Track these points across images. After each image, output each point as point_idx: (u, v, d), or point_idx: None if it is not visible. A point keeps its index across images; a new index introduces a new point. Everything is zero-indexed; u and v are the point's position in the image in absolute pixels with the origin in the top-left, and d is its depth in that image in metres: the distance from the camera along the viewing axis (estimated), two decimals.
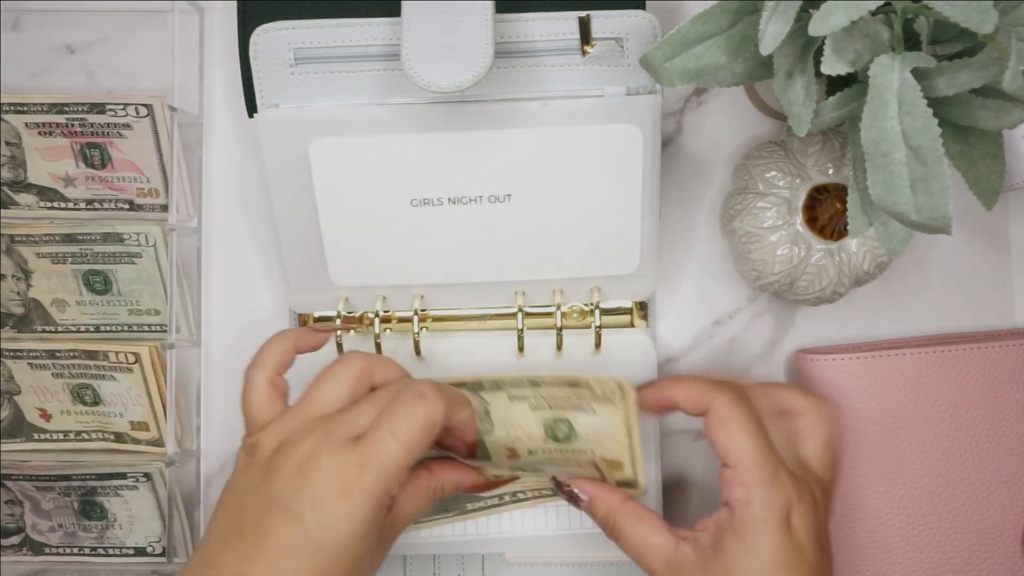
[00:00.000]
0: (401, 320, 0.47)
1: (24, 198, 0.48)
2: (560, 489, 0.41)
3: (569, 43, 0.42)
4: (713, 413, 0.37)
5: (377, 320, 0.46)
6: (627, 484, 0.40)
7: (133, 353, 0.46)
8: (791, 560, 0.35)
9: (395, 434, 0.35)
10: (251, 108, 0.44)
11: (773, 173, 0.43)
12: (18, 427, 0.49)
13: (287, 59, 0.43)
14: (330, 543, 0.34)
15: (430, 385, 0.37)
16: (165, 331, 0.47)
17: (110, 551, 0.48)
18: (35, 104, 0.45)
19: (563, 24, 0.42)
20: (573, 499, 0.40)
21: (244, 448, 0.38)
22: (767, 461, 0.36)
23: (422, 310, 0.47)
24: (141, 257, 0.47)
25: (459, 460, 0.40)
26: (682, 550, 0.37)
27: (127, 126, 0.45)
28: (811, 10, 0.31)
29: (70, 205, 0.48)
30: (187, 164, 0.48)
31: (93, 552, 0.48)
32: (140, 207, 0.48)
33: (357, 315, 0.47)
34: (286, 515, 0.34)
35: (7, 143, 0.46)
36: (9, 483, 0.47)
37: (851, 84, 0.35)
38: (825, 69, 0.32)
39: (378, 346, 0.46)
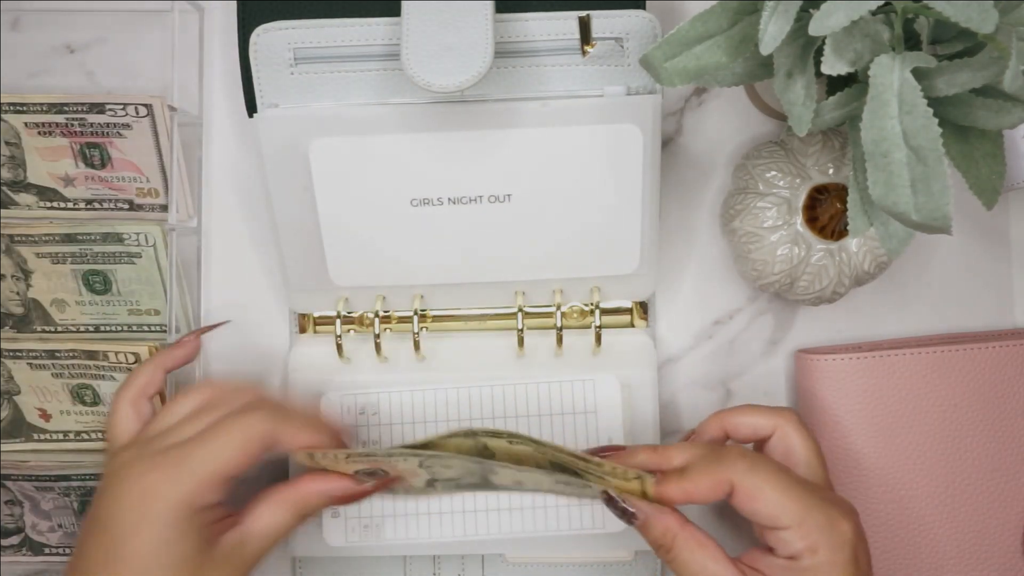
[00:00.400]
0: (401, 320, 0.47)
1: (24, 198, 0.48)
2: (612, 505, 0.39)
3: (569, 43, 0.42)
4: (740, 491, 0.36)
5: (377, 320, 0.46)
6: (641, 494, 0.39)
7: (133, 353, 0.46)
8: None
9: (205, 443, 0.35)
10: (251, 108, 0.44)
11: (773, 173, 0.43)
12: (18, 427, 0.49)
13: (287, 59, 0.43)
14: (130, 553, 0.34)
15: (262, 403, 0.37)
16: (165, 331, 0.47)
17: None
18: (35, 104, 0.45)
19: (563, 24, 0.42)
20: (626, 516, 0.38)
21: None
22: (813, 506, 0.36)
23: (422, 310, 0.47)
24: (141, 257, 0.46)
25: (333, 470, 0.40)
26: None
27: (127, 126, 0.45)
28: (811, 10, 0.31)
29: (70, 205, 0.48)
30: (187, 164, 0.48)
31: None
32: (140, 207, 0.48)
33: (357, 315, 0.47)
34: (95, 529, 0.35)
35: (7, 143, 0.46)
36: (9, 483, 0.47)
37: (851, 84, 0.35)
38: (825, 69, 0.32)
39: (378, 346, 0.46)
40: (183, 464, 0.35)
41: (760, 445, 0.41)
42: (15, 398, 0.48)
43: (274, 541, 0.38)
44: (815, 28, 0.30)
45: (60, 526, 0.48)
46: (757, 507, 0.36)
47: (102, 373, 0.47)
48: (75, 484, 0.47)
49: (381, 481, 0.41)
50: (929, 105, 0.30)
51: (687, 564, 0.37)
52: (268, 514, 0.38)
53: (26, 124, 0.46)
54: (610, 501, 0.39)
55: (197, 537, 0.35)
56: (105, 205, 0.48)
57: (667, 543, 0.37)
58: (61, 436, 0.49)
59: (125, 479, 0.35)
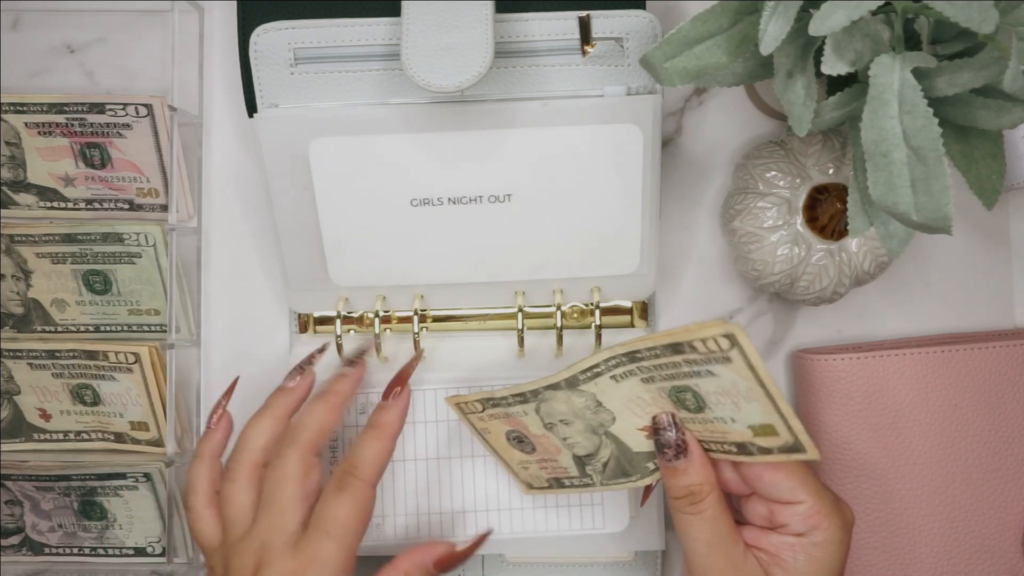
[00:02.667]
0: (401, 320, 0.47)
1: (24, 198, 0.48)
2: (667, 428, 0.36)
3: (569, 43, 0.42)
4: (762, 465, 0.36)
5: (377, 320, 0.46)
6: (792, 450, 0.35)
7: (133, 353, 0.46)
8: (842, 565, 0.36)
9: (329, 532, 0.36)
10: (251, 108, 0.44)
11: (773, 173, 0.43)
12: (18, 427, 0.49)
13: (287, 59, 0.43)
14: None
15: (343, 470, 0.38)
16: (165, 331, 0.47)
17: (110, 551, 0.48)
18: (35, 104, 0.45)
19: (563, 24, 0.42)
20: (674, 448, 0.36)
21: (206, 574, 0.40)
22: (823, 487, 0.37)
23: (422, 310, 0.47)
24: (141, 257, 0.46)
25: (425, 544, 0.40)
26: (751, 561, 0.36)
27: (127, 126, 0.45)
28: (811, 10, 0.31)
29: (70, 205, 0.48)
30: (187, 164, 0.48)
31: (93, 552, 0.48)
32: (140, 207, 0.48)
33: (357, 315, 0.47)
34: None
35: (7, 143, 0.46)
36: (9, 483, 0.47)
37: (851, 84, 0.35)
38: (825, 69, 0.32)
39: (378, 346, 0.46)
40: (319, 556, 0.36)
41: None
42: (15, 398, 0.48)
43: None
44: (815, 28, 0.30)
45: (60, 526, 0.48)
46: (779, 478, 0.36)
47: (102, 373, 0.47)
48: (75, 484, 0.47)
49: (478, 540, 0.41)
50: (929, 105, 0.30)
51: (709, 524, 0.36)
52: None
53: (26, 124, 0.46)
54: (670, 425, 0.36)
55: None
56: (105, 205, 0.48)
57: (702, 494, 0.36)
58: (61, 436, 0.49)
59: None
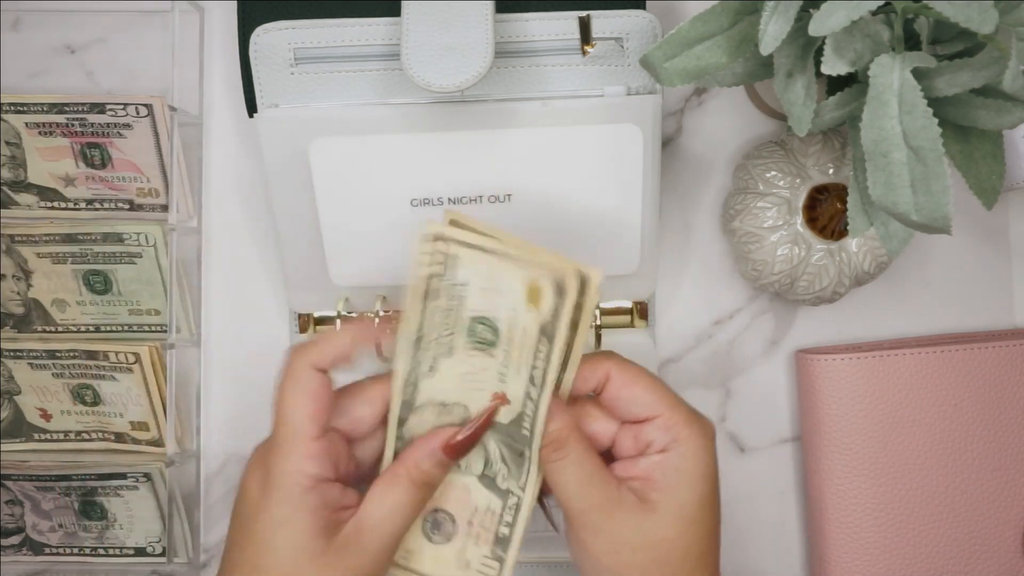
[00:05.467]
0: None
1: (24, 198, 0.48)
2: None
3: (569, 43, 0.42)
4: (617, 378, 0.36)
5: (377, 320, 0.46)
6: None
7: (133, 353, 0.46)
8: (714, 485, 0.36)
9: (281, 417, 0.35)
10: (251, 108, 0.44)
11: (773, 173, 0.43)
12: (18, 427, 0.49)
13: (287, 59, 0.43)
14: (255, 532, 0.34)
15: (296, 354, 0.37)
16: (165, 331, 0.47)
17: (110, 551, 0.48)
18: (35, 104, 0.45)
19: (563, 24, 0.42)
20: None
21: None
22: (678, 400, 0.36)
23: None
24: (141, 257, 0.46)
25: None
26: (626, 494, 0.35)
27: (127, 126, 0.45)
28: (811, 10, 0.31)
29: (70, 205, 0.48)
30: (187, 164, 0.48)
31: (93, 552, 0.48)
32: (140, 207, 0.48)
33: (357, 315, 0.47)
34: (233, 521, 0.36)
35: (7, 143, 0.46)
36: (9, 483, 0.47)
37: (851, 84, 0.35)
38: (825, 69, 0.32)
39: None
40: (277, 442, 0.35)
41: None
42: (15, 398, 0.48)
43: (397, 527, 0.35)
44: (815, 28, 0.30)
45: (60, 526, 0.48)
46: (635, 392, 0.36)
47: (102, 373, 0.47)
48: (75, 484, 0.47)
49: (489, 410, 0.37)
50: (929, 105, 0.30)
51: (576, 466, 0.35)
52: (381, 495, 0.35)
53: (26, 124, 0.46)
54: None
55: (312, 519, 0.34)
56: (105, 205, 0.48)
57: (562, 438, 0.35)
58: (61, 436, 0.49)
59: (248, 471, 0.36)
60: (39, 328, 0.48)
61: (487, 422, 0.37)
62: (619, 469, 0.37)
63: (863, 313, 0.49)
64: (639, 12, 0.42)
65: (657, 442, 0.36)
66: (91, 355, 0.46)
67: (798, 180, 0.43)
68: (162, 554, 0.48)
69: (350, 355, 0.37)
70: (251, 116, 0.44)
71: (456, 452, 0.36)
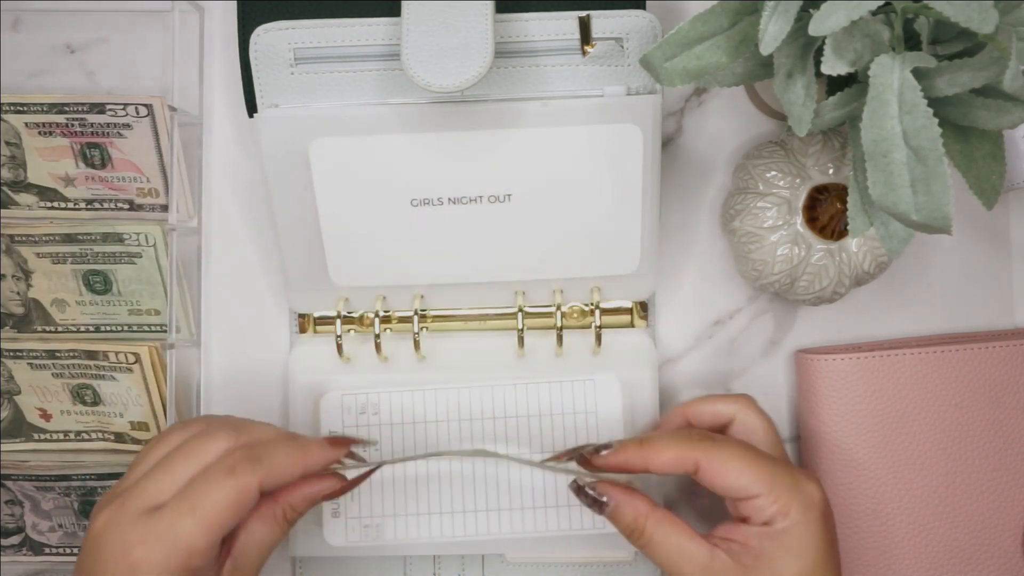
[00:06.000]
0: (401, 320, 0.47)
1: (24, 198, 0.48)
2: (580, 494, 0.40)
3: (569, 43, 0.42)
4: (707, 468, 0.37)
5: (377, 320, 0.46)
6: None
7: (133, 353, 0.46)
8: (830, 551, 0.37)
9: (194, 511, 0.33)
10: (251, 108, 0.44)
11: (773, 173, 0.43)
12: (18, 427, 0.49)
13: (287, 59, 0.43)
14: None
15: (243, 456, 0.35)
16: (165, 331, 0.47)
17: None
18: (35, 104, 0.45)
19: (563, 24, 0.42)
20: (596, 505, 0.39)
21: None
22: (779, 471, 0.37)
23: (422, 310, 0.47)
24: (141, 257, 0.46)
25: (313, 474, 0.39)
26: (719, 558, 0.37)
27: (127, 126, 0.45)
28: (811, 10, 0.31)
29: (70, 205, 0.48)
30: (187, 164, 0.48)
31: None
32: (140, 207, 0.48)
33: (357, 315, 0.47)
34: None
35: (7, 143, 0.46)
36: (9, 483, 0.47)
37: (851, 84, 0.35)
38: (825, 69, 0.32)
39: (378, 346, 0.46)
40: (169, 537, 0.33)
41: (722, 431, 0.42)
42: (15, 398, 0.48)
43: (267, 554, 0.38)
44: (815, 28, 0.30)
45: (60, 526, 0.48)
46: (728, 481, 0.37)
47: (102, 373, 0.47)
48: (75, 484, 0.47)
49: (367, 473, 0.41)
50: (929, 105, 0.30)
51: (661, 545, 0.38)
52: (256, 531, 0.37)
53: (26, 124, 0.46)
54: (579, 491, 0.40)
55: None
56: (105, 205, 0.48)
57: (639, 526, 0.38)
58: (61, 436, 0.49)
59: (108, 551, 0.33)
60: (39, 328, 0.48)
61: (369, 474, 0.41)
62: (721, 530, 0.38)
63: (863, 313, 0.49)
64: (639, 12, 0.42)
65: (755, 518, 0.37)
66: (91, 355, 0.46)
67: (798, 180, 0.43)
68: None
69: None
70: (251, 116, 0.44)
71: (330, 499, 0.40)
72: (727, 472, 0.37)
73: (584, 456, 0.40)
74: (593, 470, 0.40)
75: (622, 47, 0.43)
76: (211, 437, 0.36)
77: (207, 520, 0.33)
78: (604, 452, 0.39)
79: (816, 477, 0.39)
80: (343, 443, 0.40)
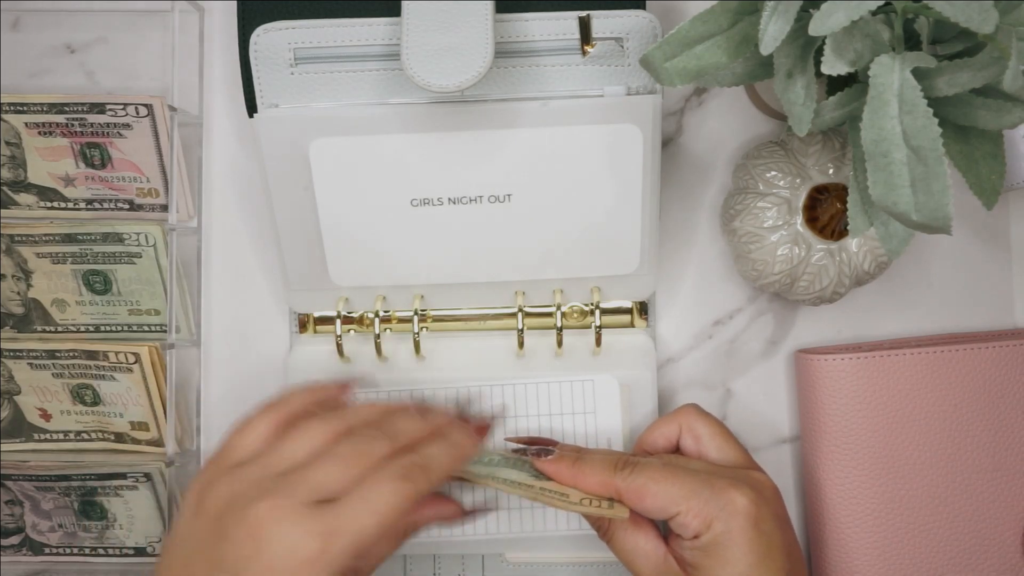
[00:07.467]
0: (401, 320, 0.47)
1: (24, 198, 0.48)
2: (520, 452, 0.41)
3: (569, 43, 0.42)
4: (626, 495, 0.38)
5: (377, 320, 0.46)
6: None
7: (133, 353, 0.46)
8: (768, 554, 0.37)
9: (375, 511, 0.32)
10: (251, 108, 0.44)
11: (773, 173, 0.43)
12: (18, 427, 0.49)
13: (287, 59, 0.43)
14: None
15: (414, 463, 0.35)
16: (165, 331, 0.47)
17: (110, 551, 0.48)
18: (35, 104, 0.45)
19: (563, 24, 0.42)
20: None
21: (189, 500, 0.35)
22: (698, 485, 0.37)
23: (422, 310, 0.47)
24: (141, 257, 0.47)
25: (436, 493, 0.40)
26: (669, 562, 0.39)
27: (127, 126, 0.45)
28: (811, 10, 0.31)
29: (70, 205, 0.48)
30: (187, 164, 0.48)
31: (93, 552, 0.48)
32: (140, 207, 0.48)
33: (357, 315, 0.47)
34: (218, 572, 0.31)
35: (7, 143, 0.46)
36: (9, 483, 0.47)
37: (851, 84, 0.35)
38: (825, 69, 0.32)
39: (378, 346, 0.46)
40: (352, 529, 0.32)
41: (677, 449, 0.42)
42: (15, 398, 0.48)
43: (379, 565, 0.39)
44: (815, 28, 0.30)
45: (60, 526, 0.48)
46: (646, 505, 0.38)
47: (102, 373, 0.47)
48: (75, 484, 0.47)
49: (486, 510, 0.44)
50: (929, 105, 0.30)
51: (622, 541, 0.40)
52: (382, 548, 0.39)
53: (26, 124, 0.46)
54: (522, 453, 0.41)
55: None
56: (105, 205, 0.48)
57: (603, 525, 0.40)
58: (61, 436, 0.49)
59: (276, 538, 0.31)
60: (39, 328, 0.48)
61: (475, 514, 0.44)
62: (671, 543, 0.39)
63: (863, 313, 0.49)
64: (639, 12, 0.42)
65: (684, 532, 0.38)
66: (91, 355, 0.46)
67: (798, 180, 0.43)
68: None
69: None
70: (251, 116, 0.44)
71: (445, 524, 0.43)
72: (644, 496, 0.38)
73: (532, 453, 0.41)
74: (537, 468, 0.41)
75: (622, 47, 0.43)
76: (371, 437, 0.35)
77: (383, 521, 0.32)
78: (545, 456, 0.40)
79: (755, 478, 0.39)
80: (485, 430, 0.42)
